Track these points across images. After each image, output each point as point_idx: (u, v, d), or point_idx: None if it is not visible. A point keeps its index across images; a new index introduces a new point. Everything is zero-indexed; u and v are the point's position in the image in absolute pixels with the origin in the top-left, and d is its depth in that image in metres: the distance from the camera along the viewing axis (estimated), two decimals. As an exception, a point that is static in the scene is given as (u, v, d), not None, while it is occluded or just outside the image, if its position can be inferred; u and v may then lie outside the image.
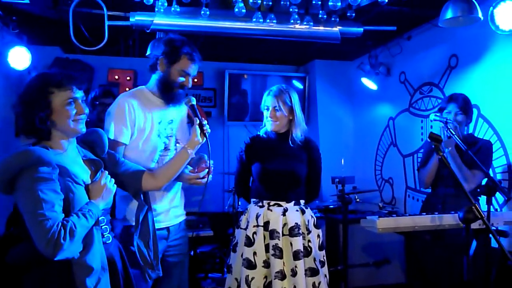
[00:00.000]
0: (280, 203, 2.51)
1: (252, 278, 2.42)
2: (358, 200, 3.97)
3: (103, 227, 1.73)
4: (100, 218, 1.70)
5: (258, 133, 2.66)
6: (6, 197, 1.60)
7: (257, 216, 2.51)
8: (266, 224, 2.49)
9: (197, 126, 2.01)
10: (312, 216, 2.58)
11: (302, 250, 2.43)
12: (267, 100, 2.55)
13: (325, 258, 2.56)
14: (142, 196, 1.97)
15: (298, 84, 5.19)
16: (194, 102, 2.11)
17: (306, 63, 5.31)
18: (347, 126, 5.20)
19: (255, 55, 4.93)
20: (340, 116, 5.18)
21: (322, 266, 2.51)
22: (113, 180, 1.79)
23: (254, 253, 2.45)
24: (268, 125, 2.57)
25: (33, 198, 1.50)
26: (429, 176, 2.82)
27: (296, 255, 2.41)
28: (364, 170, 4.89)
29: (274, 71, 5.22)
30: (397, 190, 4.38)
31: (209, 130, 2.03)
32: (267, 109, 2.55)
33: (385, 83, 4.49)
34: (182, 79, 2.21)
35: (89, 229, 1.60)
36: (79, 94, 1.70)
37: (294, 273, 2.39)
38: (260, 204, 2.55)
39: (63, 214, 1.54)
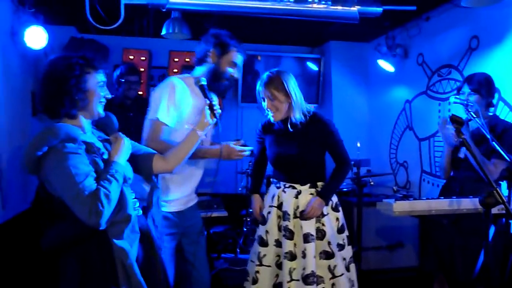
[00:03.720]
0: (295, 185, 2.53)
1: (264, 255, 2.50)
2: (372, 183, 3.94)
3: (132, 200, 1.77)
4: (127, 179, 1.73)
5: (267, 119, 2.61)
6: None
7: (273, 197, 2.57)
8: (280, 205, 2.54)
9: (207, 107, 1.98)
10: (330, 199, 2.55)
11: (312, 233, 2.43)
12: (261, 92, 2.48)
13: (345, 241, 2.53)
14: (155, 178, 1.97)
15: (312, 66, 5.13)
16: (204, 82, 2.08)
17: (321, 44, 5.23)
18: (362, 109, 5.14)
19: (269, 36, 4.87)
20: (355, 98, 5.12)
21: (341, 249, 2.49)
22: (128, 139, 1.83)
23: (267, 232, 2.53)
24: (269, 116, 2.51)
25: (65, 175, 1.53)
26: (446, 166, 2.76)
27: (305, 238, 2.42)
28: (378, 153, 4.85)
29: (288, 52, 5.16)
30: (412, 174, 4.35)
31: (219, 111, 2.00)
32: (264, 100, 2.48)
33: (402, 65, 4.41)
34: (231, 70, 2.32)
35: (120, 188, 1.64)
36: (105, 79, 1.77)
37: (304, 255, 2.41)
38: (278, 185, 2.59)
39: (96, 184, 1.57)
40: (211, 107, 1.98)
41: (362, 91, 5.15)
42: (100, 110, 1.76)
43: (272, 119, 2.50)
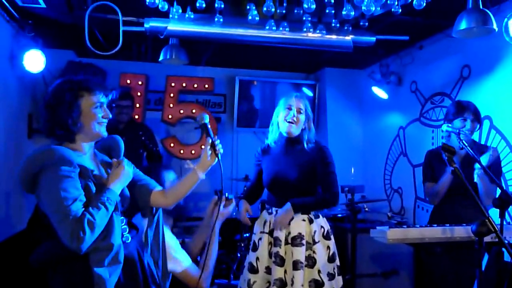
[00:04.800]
0: None
1: (254, 282, 2.47)
2: (367, 209, 3.94)
3: (122, 227, 1.76)
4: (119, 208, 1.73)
5: (268, 142, 2.66)
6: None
7: (264, 223, 2.55)
8: (271, 231, 2.51)
9: (209, 147, 1.92)
10: (322, 227, 2.53)
11: (302, 260, 2.40)
12: (291, 101, 2.53)
13: (335, 270, 2.49)
14: (154, 211, 1.95)
15: (308, 92, 5.19)
16: (207, 121, 2.01)
17: (317, 70, 5.31)
18: (357, 135, 5.18)
19: (265, 62, 4.95)
20: (350, 124, 5.17)
21: (331, 279, 2.45)
22: (132, 166, 1.84)
23: (257, 258, 2.50)
24: (283, 127, 2.53)
25: (55, 197, 1.55)
26: (442, 192, 2.72)
27: (295, 265, 2.39)
28: (373, 179, 4.86)
29: (284, 78, 5.23)
30: (406, 200, 4.35)
31: (221, 151, 1.94)
32: (289, 109, 2.52)
33: (396, 92, 4.47)
34: None
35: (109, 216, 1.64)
36: (104, 99, 1.78)
37: (292, 283, 2.38)
38: (270, 211, 2.58)
39: (83, 209, 1.58)
40: (213, 146, 1.91)
41: (357, 117, 5.20)
42: (100, 130, 1.76)
43: (285, 129, 2.52)
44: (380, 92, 4.49)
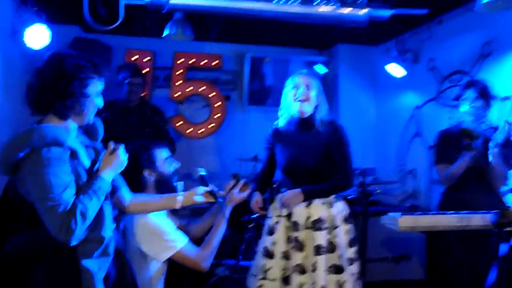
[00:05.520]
0: None
1: (270, 268, 2.38)
2: (378, 191, 3.83)
3: None
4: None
5: (277, 126, 2.56)
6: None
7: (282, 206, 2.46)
8: (289, 215, 2.43)
9: (202, 189, 2.04)
10: (342, 210, 2.47)
11: (324, 245, 2.34)
12: (297, 79, 2.43)
13: (355, 255, 2.44)
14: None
15: (322, 69, 5.01)
16: (203, 173, 2.14)
17: (330, 47, 5.13)
18: (370, 114, 5.03)
19: (276, 37, 4.78)
20: (363, 103, 5.02)
21: (350, 264, 2.39)
22: (126, 154, 1.72)
23: (274, 243, 2.42)
24: (295, 108, 2.43)
25: (43, 182, 1.42)
26: (457, 174, 2.63)
27: (317, 250, 2.33)
28: (386, 160, 4.74)
29: (296, 54, 5.05)
30: (420, 182, 4.23)
31: (221, 200, 2.09)
32: (297, 88, 2.42)
33: (411, 70, 4.29)
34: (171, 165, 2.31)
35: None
36: (102, 87, 1.69)
37: (314, 268, 2.31)
38: None
39: (74, 197, 1.47)
40: (212, 194, 2.02)
41: (370, 96, 5.04)
42: (92, 117, 1.67)
43: (297, 108, 2.42)
44: (396, 70, 4.29)
